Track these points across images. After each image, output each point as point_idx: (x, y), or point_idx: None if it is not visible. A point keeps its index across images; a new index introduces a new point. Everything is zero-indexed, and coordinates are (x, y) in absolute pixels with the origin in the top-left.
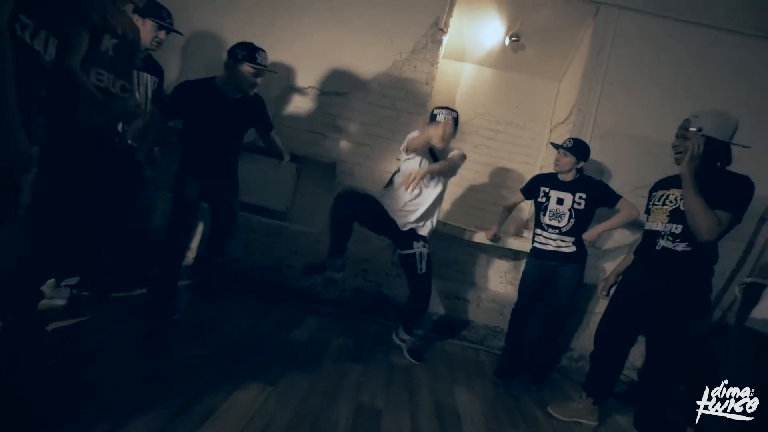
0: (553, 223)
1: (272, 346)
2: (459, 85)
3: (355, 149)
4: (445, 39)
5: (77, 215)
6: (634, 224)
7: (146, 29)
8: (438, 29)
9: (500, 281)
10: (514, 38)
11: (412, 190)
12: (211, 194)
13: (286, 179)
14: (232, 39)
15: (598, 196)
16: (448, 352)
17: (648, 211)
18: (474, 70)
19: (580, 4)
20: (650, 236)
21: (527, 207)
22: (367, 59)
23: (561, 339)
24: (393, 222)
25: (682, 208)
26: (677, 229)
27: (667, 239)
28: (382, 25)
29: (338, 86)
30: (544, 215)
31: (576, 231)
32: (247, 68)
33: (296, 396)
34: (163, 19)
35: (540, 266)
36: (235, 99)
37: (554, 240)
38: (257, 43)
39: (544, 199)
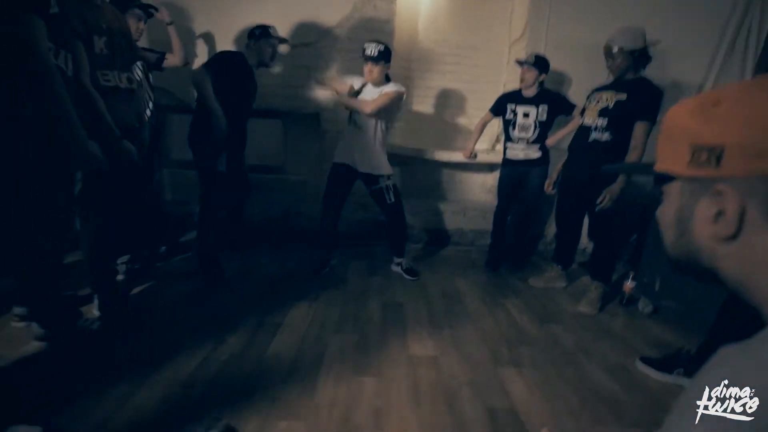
0: (522, 135)
1: (303, 276)
2: (419, 16)
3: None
4: None
5: (125, 200)
6: None
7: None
8: None
9: (480, 191)
10: None
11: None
12: (233, 163)
13: (275, 135)
14: (200, 8)
15: (557, 106)
16: (446, 256)
17: (582, 112)
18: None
19: None
20: (584, 131)
21: (496, 123)
22: (329, 6)
23: (535, 229)
24: (356, 170)
25: (610, 107)
26: (603, 122)
27: (598, 131)
28: None
29: (305, 37)
30: (513, 129)
31: (541, 138)
32: (265, 44)
33: (336, 304)
34: (139, 8)
35: (512, 172)
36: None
37: (523, 150)
38: (230, 8)
39: (511, 116)
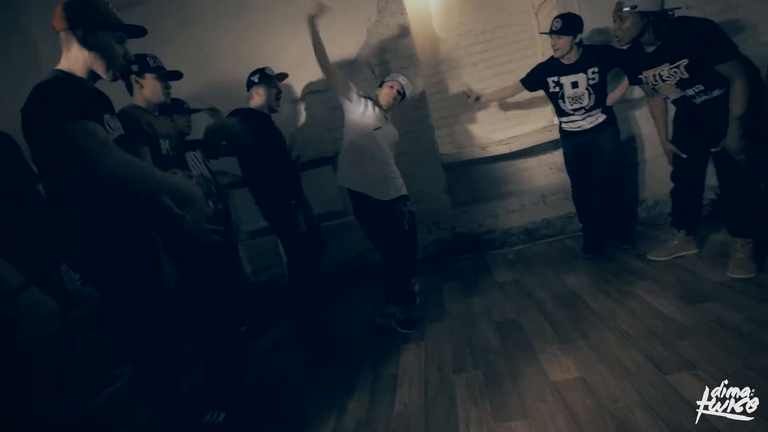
0: (576, 106)
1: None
2: (431, 18)
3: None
4: None
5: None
6: None
7: (181, 122)
8: None
9: (552, 173)
10: None
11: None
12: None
13: (329, 181)
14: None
15: (608, 62)
16: (539, 253)
17: (655, 91)
18: None
19: None
20: (683, 101)
21: None
22: (345, 40)
23: (629, 195)
24: (380, 202)
25: (686, 77)
26: (698, 87)
27: (700, 96)
28: (344, 3)
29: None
30: (564, 103)
31: (600, 102)
32: (269, 87)
33: (445, 337)
34: (185, 111)
35: (577, 143)
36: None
37: (583, 119)
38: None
39: (557, 89)
